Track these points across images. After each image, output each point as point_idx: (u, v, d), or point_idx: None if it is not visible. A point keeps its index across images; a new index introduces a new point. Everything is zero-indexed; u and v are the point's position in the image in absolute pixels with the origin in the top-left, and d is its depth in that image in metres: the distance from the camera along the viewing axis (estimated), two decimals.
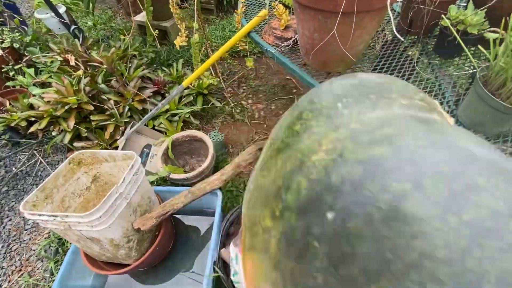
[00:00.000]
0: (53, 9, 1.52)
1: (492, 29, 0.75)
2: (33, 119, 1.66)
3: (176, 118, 1.72)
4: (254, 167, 0.54)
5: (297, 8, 0.72)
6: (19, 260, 1.36)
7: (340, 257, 0.27)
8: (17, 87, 1.85)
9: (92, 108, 1.51)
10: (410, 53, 0.93)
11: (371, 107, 0.35)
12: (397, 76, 0.86)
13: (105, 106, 1.55)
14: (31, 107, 1.70)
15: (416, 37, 0.96)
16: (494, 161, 0.28)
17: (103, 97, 1.57)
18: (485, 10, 0.78)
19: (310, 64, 0.86)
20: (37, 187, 1.61)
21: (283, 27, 0.94)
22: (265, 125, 1.83)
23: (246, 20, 1.12)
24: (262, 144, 1.40)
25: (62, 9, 1.65)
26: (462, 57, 0.93)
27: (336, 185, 0.29)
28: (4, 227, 1.47)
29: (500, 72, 0.61)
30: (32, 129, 1.53)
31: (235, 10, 1.09)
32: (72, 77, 1.57)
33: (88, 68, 1.64)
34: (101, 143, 1.55)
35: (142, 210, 1.01)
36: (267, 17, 0.99)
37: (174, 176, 1.32)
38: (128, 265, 1.04)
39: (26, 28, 2.16)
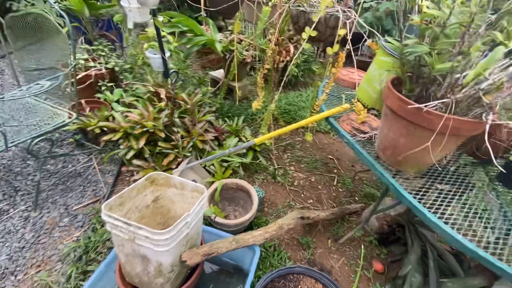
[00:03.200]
0: (163, 53, 1.89)
1: None
2: (105, 129, 1.88)
3: (225, 164, 1.86)
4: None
5: (387, 113, 0.89)
6: (42, 255, 1.37)
7: None
8: (102, 100, 2.15)
9: (163, 135, 1.70)
10: (469, 172, 1.03)
11: None
12: (456, 188, 0.94)
13: (173, 137, 1.74)
14: (106, 119, 1.95)
15: (478, 161, 1.07)
16: None
17: (174, 129, 1.78)
18: None
19: (383, 159, 0.98)
20: (83, 189, 1.72)
21: (360, 122, 1.11)
22: (302, 194, 1.90)
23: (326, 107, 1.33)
24: (303, 213, 1.46)
25: (167, 54, 2.03)
26: None
27: None
28: (41, 217, 1.53)
29: None
30: (105, 137, 1.73)
31: (316, 99, 1.31)
32: (156, 106, 1.82)
33: (169, 103, 1.90)
34: (156, 167, 1.68)
35: (191, 244, 1.05)
36: (347, 110, 1.18)
37: (217, 219, 1.37)
38: None
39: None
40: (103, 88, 2.19)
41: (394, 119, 0.85)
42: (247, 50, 2.35)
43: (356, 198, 1.91)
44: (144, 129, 1.69)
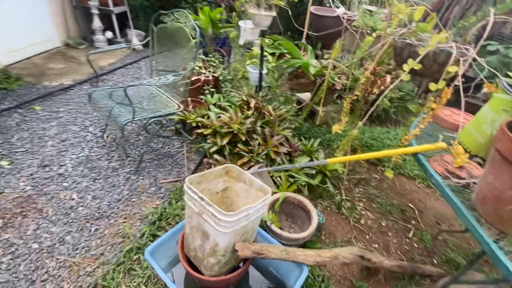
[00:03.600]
0: (262, 69, 2.12)
1: None
2: (200, 124, 2.20)
3: (291, 179, 1.88)
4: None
5: (496, 158, 0.76)
6: (129, 210, 1.67)
7: None
8: (203, 101, 2.54)
9: (243, 139, 1.87)
10: None
11: None
12: None
13: (251, 143, 1.90)
14: (202, 116, 2.28)
15: None
16: None
17: (254, 136, 1.94)
18: None
19: (480, 212, 0.82)
20: (171, 168, 2.04)
21: (457, 166, 0.97)
22: (367, 236, 1.72)
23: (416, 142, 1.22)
24: (365, 252, 1.32)
25: (264, 71, 2.27)
26: None
27: None
28: (137, 182, 1.88)
29: None
30: (198, 131, 2.02)
31: (406, 133, 1.21)
32: (244, 113, 2.03)
33: (255, 113, 2.09)
34: None
35: (245, 238, 1.11)
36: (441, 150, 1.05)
37: (272, 226, 1.39)
38: (202, 274, 1.12)
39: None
40: (206, 91, 2.59)
41: (503, 166, 0.72)
42: (338, 78, 2.38)
43: (435, 261, 1.60)
44: (229, 130, 1.91)
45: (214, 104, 2.48)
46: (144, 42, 2.63)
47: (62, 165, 1.90)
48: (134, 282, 1.31)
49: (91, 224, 1.56)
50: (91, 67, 1.98)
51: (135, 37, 4.33)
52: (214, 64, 2.77)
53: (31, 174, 1.79)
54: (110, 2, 3.98)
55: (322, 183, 1.93)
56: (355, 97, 1.64)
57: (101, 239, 1.49)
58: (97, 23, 4.05)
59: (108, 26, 4.21)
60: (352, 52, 1.97)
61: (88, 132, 2.26)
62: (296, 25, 2.40)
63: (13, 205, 1.58)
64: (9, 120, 2.26)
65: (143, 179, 1.91)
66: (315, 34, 1.80)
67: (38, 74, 3.14)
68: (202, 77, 2.61)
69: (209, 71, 2.72)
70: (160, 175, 1.96)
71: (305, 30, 3.45)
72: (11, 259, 1.34)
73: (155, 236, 1.52)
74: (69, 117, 2.41)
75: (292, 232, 1.60)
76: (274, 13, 1.69)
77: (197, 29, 1.66)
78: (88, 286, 1.27)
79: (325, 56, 3.22)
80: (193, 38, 1.74)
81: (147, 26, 4.60)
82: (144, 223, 1.60)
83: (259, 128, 1.99)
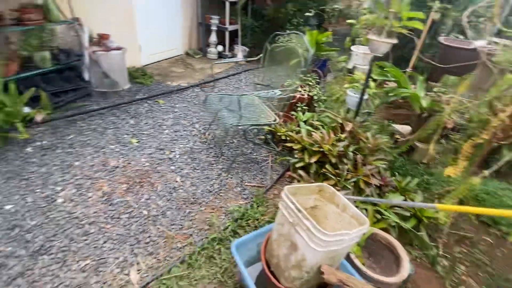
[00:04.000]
0: (363, 94, 2.07)
1: None
2: (288, 138, 2.28)
3: (378, 216, 1.72)
4: None
5: None
6: (217, 203, 1.85)
7: None
8: (294, 117, 2.63)
9: (333, 161, 1.84)
10: None
11: None
12: None
13: (340, 167, 1.84)
14: (291, 131, 2.36)
15: None
16: None
17: (344, 160, 1.88)
18: None
19: None
20: (255, 174, 2.16)
21: None
22: None
23: None
24: None
25: (365, 96, 2.20)
26: None
27: None
28: (226, 179, 2.07)
29: None
30: (289, 144, 2.10)
31: None
32: (336, 135, 2.01)
33: (348, 137, 2.03)
34: None
35: (331, 263, 1.07)
36: None
37: (356, 260, 1.30)
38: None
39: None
40: (298, 108, 2.68)
41: None
42: (451, 115, 2.09)
43: None
44: (320, 149, 1.91)
45: (305, 122, 2.53)
46: (254, 58, 2.93)
47: (172, 151, 2.26)
48: (212, 269, 1.43)
49: (186, 206, 1.79)
50: (210, 74, 2.33)
51: (240, 52, 4.87)
52: (310, 83, 2.85)
53: (150, 154, 2.20)
54: (227, 22, 4.62)
55: (416, 229, 1.70)
56: (480, 141, 1.41)
57: (192, 221, 1.69)
58: (213, 38, 4.75)
59: (220, 41, 4.88)
60: (481, 89, 1.70)
61: (194, 128, 2.64)
62: (420, 56, 2.25)
63: (135, 175, 1.97)
64: (141, 108, 2.85)
65: (231, 177, 2.09)
66: (441, 66, 1.65)
67: (163, 74, 3.87)
68: (298, 95, 2.71)
69: (304, 90, 2.81)
70: (246, 177, 2.11)
71: (413, 59, 3.19)
72: (127, 218, 1.66)
73: (235, 233, 1.63)
74: (182, 113, 2.87)
75: (371, 270, 1.46)
76: (395, 41, 1.64)
77: (311, 50, 1.75)
78: (177, 259, 1.46)
79: (434, 89, 2.89)
80: (304, 59, 1.85)
81: (252, 43, 5.12)
82: (228, 218, 1.74)
83: (351, 154, 1.92)
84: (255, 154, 2.41)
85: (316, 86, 2.83)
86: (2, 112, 1.95)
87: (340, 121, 2.11)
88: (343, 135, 2.03)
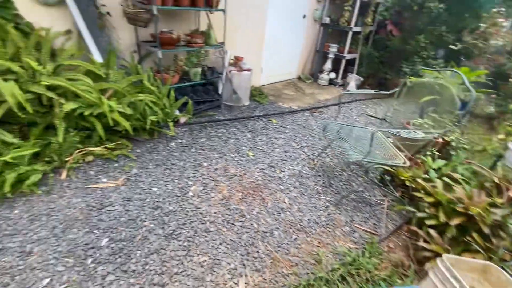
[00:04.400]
0: None
1: None
2: (412, 185, 1.97)
3: None
4: None
5: None
6: (324, 238, 1.74)
7: None
8: (419, 161, 2.28)
9: (484, 230, 1.45)
10: None
11: None
12: None
13: (493, 240, 1.44)
14: (416, 177, 2.03)
15: None
16: None
17: (500, 232, 1.46)
18: None
19: None
20: (368, 217, 1.95)
21: None
22: None
23: None
24: None
25: None
26: None
27: None
28: (334, 214, 1.94)
29: None
30: (417, 194, 1.81)
31: None
32: (491, 198, 1.59)
33: (509, 204, 1.58)
34: (448, 252, 1.49)
35: None
36: None
37: None
38: None
39: None
40: (428, 152, 2.31)
41: None
42: None
43: None
44: (465, 211, 1.55)
45: (435, 170, 2.15)
46: (387, 91, 2.75)
47: (282, 171, 2.32)
48: None
49: (293, 231, 1.76)
50: (319, 99, 2.29)
51: (353, 81, 4.72)
52: (448, 125, 2.43)
53: (263, 169, 2.32)
54: (346, 50, 4.59)
55: None
56: None
57: (298, 250, 1.64)
58: (328, 65, 4.79)
59: (333, 68, 4.87)
60: None
61: (303, 151, 2.65)
62: None
63: (249, 186, 2.10)
64: (257, 124, 3.09)
65: (339, 213, 1.95)
66: None
67: (277, 95, 4.12)
68: (432, 137, 2.35)
69: (437, 133, 2.41)
70: (356, 218, 1.93)
71: None
72: (240, 226, 1.76)
73: (343, 278, 1.48)
74: (292, 135, 2.95)
75: None
76: None
77: (473, 92, 1.48)
78: (282, 286, 1.42)
79: None
80: (462, 101, 1.57)
81: (367, 73, 4.88)
82: (335, 259, 1.61)
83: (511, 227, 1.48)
84: (367, 193, 2.19)
85: (456, 131, 2.38)
86: (163, 112, 2.47)
87: (497, 181, 1.67)
88: (500, 200, 1.59)
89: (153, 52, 2.61)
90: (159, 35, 2.43)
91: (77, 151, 2.05)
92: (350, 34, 4.45)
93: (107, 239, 1.55)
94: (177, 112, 2.73)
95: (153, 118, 2.34)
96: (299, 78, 5.08)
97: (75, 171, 2.02)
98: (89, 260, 1.43)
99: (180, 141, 2.57)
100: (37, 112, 1.83)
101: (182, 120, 2.77)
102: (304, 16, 4.47)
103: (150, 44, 2.62)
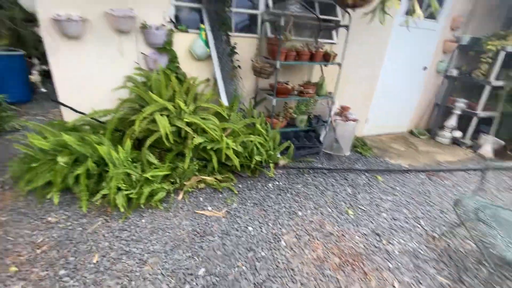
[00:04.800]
0: None
1: None
2: None
3: None
4: None
5: None
6: None
7: None
8: None
9: None
10: None
11: None
12: None
13: None
14: None
15: None
16: None
17: None
18: None
19: None
20: None
21: None
22: None
23: None
24: None
25: None
26: None
27: None
28: None
29: None
30: None
31: None
32: None
33: None
34: None
35: None
36: None
37: None
38: None
39: None
40: None
41: None
42: None
43: None
44: None
45: None
46: None
47: (390, 243, 1.96)
48: None
49: None
50: (477, 169, 1.84)
51: (488, 143, 3.79)
52: None
53: (365, 234, 2.02)
54: (479, 107, 3.81)
55: None
56: None
57: None
58: (452, 121, 4.07)
59: (459, 125, 4.09)
60: None
61: (419, 224, 2.19)
62: None
63: (348, 252, 1.85)
64: (359, 179, 2.82)
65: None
66: None
67: (382, 149, 3.73)
68: None
69: None
70: None
71: None
72: None
73: None
74: (402, 199, 2.52)
75: None
76: None
77: None
78: None
79: None
80: None
81: (509, 136, 3.86)
82: None
83: None
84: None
85: None
86: (267, 154, 2.60)
87: None
88: None
89: (268, 99, 2.88)
90: (277, 85, 2.68)
91: (194, 177, 2.36)
92: (487, 88, 3.71)
93: (203, 269, 1.63)
94: (278, 155, 2.82)
95: (258, 158, 2.49)
96: (411, 132, 4.50)
97: (189, 194, 2.31)
98: (187, 286, 1.52)
99: (277, 183, 2.61)
100: (175, 142, 2.25)
101: (282, 163, 2.83)
102: (425, 68, 4.07)
103: (267, 92, 2.92)
